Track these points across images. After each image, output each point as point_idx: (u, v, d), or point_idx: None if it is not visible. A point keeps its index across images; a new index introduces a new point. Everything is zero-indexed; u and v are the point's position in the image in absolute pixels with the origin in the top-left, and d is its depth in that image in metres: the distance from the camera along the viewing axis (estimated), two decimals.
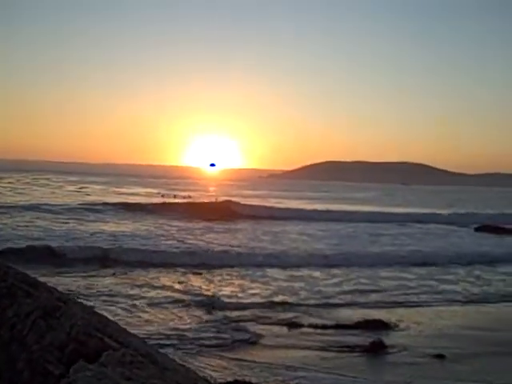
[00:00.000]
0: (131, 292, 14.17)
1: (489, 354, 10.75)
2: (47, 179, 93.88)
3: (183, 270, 17.56)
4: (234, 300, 14.00)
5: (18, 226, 24.94)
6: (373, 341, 10.55)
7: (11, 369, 3.68)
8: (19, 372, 3.59)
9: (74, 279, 15.54)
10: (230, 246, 22.79)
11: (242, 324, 11.97)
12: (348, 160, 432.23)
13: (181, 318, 12.21)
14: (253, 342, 10.86)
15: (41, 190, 56.95)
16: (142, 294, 14.03)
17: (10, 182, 72.57)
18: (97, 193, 59.42)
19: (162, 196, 63.34)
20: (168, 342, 10.30)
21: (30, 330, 3.85)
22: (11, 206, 33.20)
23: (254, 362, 9.59)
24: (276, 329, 11.90)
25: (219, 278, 16.79)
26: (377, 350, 10.35)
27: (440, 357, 10.27)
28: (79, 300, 5.35)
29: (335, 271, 18.65)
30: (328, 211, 43.17)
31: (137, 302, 13.20)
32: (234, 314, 12.73)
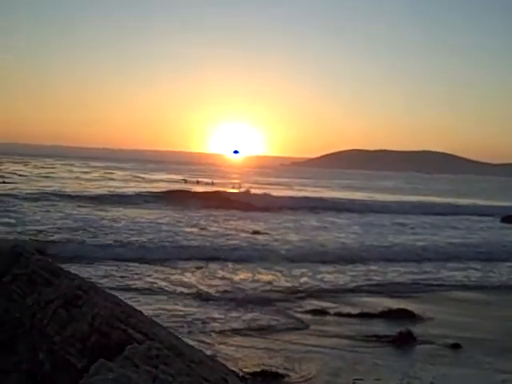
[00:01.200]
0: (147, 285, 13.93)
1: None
2: (71, 165, 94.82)
3: (199, 262, 16.97)
4: (255, 291, 13.73)
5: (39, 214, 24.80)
6: (400, 331, 10.29)
7: (32, 359, 3.53)
8: (40, 363, 3.42)
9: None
10: (247, 236, 22.27)
11: (270, 310, 11.85)
12: (371, 148, 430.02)
13: (206, 308, 12.06)
14: (279, 329, 10.71)
15: (65, 177, 57.34)
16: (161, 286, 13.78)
17: (36, 166, 73.34)
18: (120, 179, 59.64)
19: (185, 182, 63.81)
20: (199, 329, 10.22)
21: (51, 320, 3.68)
22: (39, 192, 33.35)
23: (280, 349, 9.43)
24: (300, 316, 11.72)
25: (235, 269, 16.40)
26: (405, 340, 10.10)
27: (457, 346, 10.05)
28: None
29: (352, 263, 18.17)
30: (350, 201, 42.18)
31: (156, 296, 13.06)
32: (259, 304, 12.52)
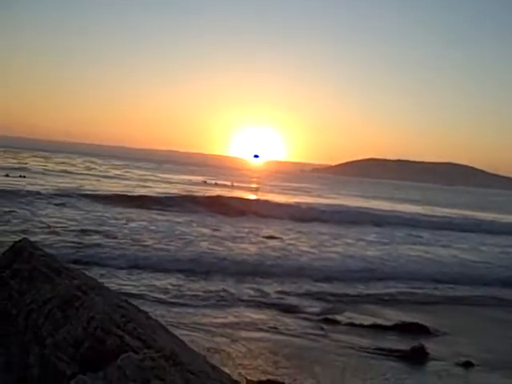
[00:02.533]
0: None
1: None
2: (93, 162, 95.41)
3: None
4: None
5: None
6: (413, 346, 10.00)
7: (22, 362, 3.35)
8: (30, 367, 3.25)
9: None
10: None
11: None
12: (391, 158, 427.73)
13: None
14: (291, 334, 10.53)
15: (85, 174, 57.66)
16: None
17: (57, 162, 73.85)
18: (139, 179, 59.80)
19: (205, 182, 64.62)
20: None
21: (46, 320, 3.51)
22: (57, 189, 33.27)
23: (289, 360, 9.19)
24: (310, 324, 11.49)
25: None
26: (418, 356, 9.80)
27: (470, 365, 9.74)
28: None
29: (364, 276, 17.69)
30: (365, 210, 40.28)
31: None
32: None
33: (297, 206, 38.66)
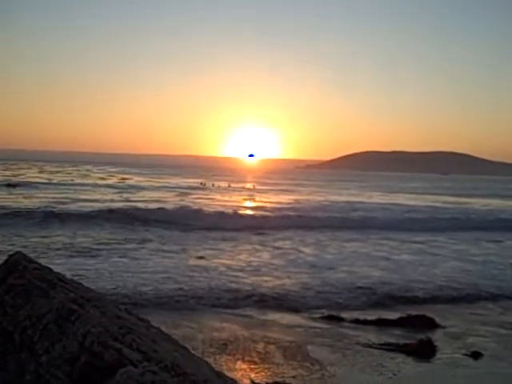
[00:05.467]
0: None
1: None
2: (88, 170, 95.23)
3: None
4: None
5: None
6: (420, 339, 9.84)
7: (18, 381, 3.22)
8: None
9: None
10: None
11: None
12: (387, 150, 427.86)
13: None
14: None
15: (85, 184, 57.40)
16: None
17: (52, 172, 73.60)
18: (142, 186, 59.66)
19: (203, 184, 64.89)
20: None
21: (41, 336, 3.38)
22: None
23: (294, 360, 9.03)
24: (315, 323, 11.34)
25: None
26: (426, 349, 9.65)
27: (479, 355, 9.59)
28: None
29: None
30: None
31: None
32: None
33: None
